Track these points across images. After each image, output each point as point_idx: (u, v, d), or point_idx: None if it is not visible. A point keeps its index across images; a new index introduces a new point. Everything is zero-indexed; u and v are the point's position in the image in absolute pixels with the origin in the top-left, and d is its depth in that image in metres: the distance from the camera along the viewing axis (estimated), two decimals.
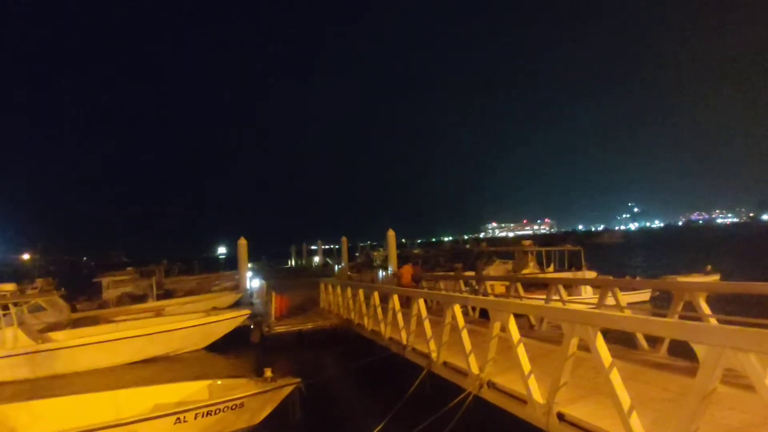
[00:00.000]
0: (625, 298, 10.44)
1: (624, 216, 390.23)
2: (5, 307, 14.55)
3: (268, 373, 8.59)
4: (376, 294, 12.75)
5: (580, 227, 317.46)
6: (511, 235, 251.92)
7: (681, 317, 7.77)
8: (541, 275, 21.56)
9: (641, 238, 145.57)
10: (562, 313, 6.16)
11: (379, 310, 12.26)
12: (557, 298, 11.51)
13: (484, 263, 24.61)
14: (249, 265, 29.89)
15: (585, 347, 5.07)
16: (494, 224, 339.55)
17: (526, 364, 5.97)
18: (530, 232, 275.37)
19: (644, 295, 19.21)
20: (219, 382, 9.28)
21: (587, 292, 17.59)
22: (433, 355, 8.62)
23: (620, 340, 8.37)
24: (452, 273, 20.67)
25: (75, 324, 17.44)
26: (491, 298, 13.16)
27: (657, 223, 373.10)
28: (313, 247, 54.18)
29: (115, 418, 7.27)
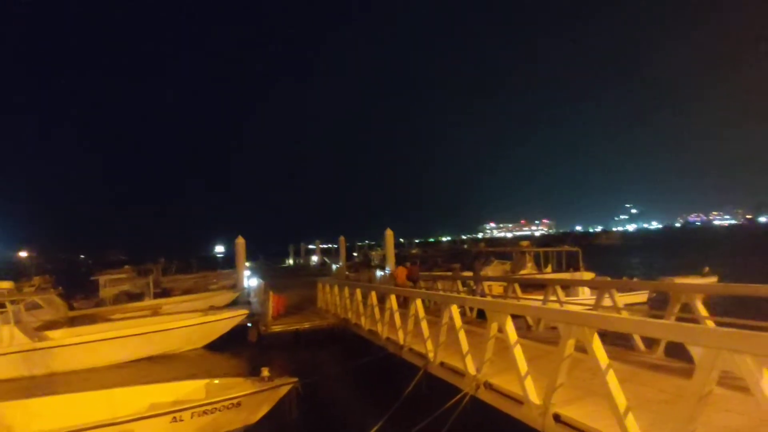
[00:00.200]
0: (623, 299, 10.48)
1: (622, 217, 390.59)
2: (2, 305, 14.51)
3: (265, 372, 8.58)
4: (373, 294, 12.75)
5: (578, 228, 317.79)
6: (509, 235, 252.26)
7: (678, 319, 7.79)
8: (539, 276, 21.57)
9: (639, 240, 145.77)
10: (559, 315, 6.17)
11: (376, 309, 12.26)
12: (555, 299, 11.53)
13: (482, 263, 24.60)
14: (247, 264, 29.86)
15: (582, 348, 5.08)
16: (492, 224, 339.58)
17: (522, 365, 5.98)
18: (528, 233, 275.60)
19: (641, 297, 19.23)
20: (216, 381, 9.26)
21: (585, 293, 17.62)
22: (430, 355, 8.63)
23: (617, 342, 8.39)
24: (450, 273, 20.67)
25: (72, 322, 17.38)
26: (488, 299, 13.18)
27: (655, 225, 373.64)
28: (311, 247, 54.21)
29: (112, 417, 7.25)
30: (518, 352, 6.06)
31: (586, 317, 5.33)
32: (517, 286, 13.50)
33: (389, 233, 26.83)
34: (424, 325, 9.13)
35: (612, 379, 4.64)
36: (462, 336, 7.50)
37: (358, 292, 14.21)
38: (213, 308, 19.53)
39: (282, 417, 8.47)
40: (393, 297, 11.03)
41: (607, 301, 9.79)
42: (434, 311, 10.71)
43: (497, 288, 17.65)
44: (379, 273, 26.37)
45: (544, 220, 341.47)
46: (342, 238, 38.53)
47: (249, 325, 17.76)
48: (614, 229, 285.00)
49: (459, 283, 16.80)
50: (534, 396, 5.75)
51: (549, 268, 24.51)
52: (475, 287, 16.01)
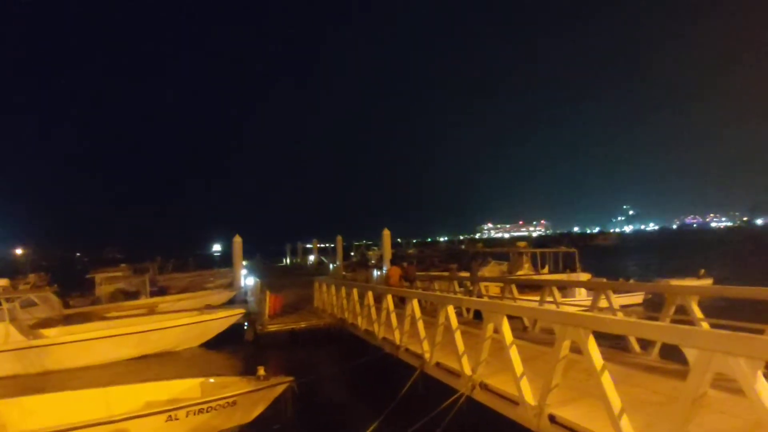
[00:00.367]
0: (619, 300, 10.50)
1: (619, 218, 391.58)
2: None
3: (261, 371, 8.58)
4: (370, 294, 12.75)
5: (576, 229, 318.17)
6: (506, 236, 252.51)
7: (673, 320, 7.81)
8: (536, 277, 21.59)
9: (636, 241, 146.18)
10: (555, 316, 6.18)
11: (372, 309, 12.26)
12: (551, 299, 11.56)
13: (479, 264, 24.63)
14: (244, 263, 29.82)
15: (577, 349, 5.09)
16: (490, 225, 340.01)
17: (518, 366, 5.98)
18: (526, 234, 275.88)
19: (637, 298, 19.29)
20: (211, 380, 9.25)
21: (581, 294, 17.66)
22: (426, 355, 8.63)
23: (612, 343, 8.41)
24: (447, 273, 20.69)
25: (67, 320, 17.33)
26: (485, 299, 13.21)
27: (652, 226, 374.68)
28: (308, 246, 54.08)
29: (107, 415, 7.24)
30: (514, 353, 6.07)
31: (581, 318, 5.34)
32: (513, 287, 13.52)
33: (386, 233, 26.81)
34: (420, 325, 9.14)
35: (607, 381, 4.65)
36: (458, 336, 7.51)
37: (355, 291, 14.21)
38: (209, 307, 19.52)
39: (278, 416, 8.47)
40: (389, 297, 11.03)
41: (603, 303, 9.81)
42: (431, 312, 10.71)
43: (494, 288, 17.68)
44: (376, 273, 26.37)
45: (542, 221, 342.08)
46: (339, 238, 38.52)
47: (245, 324, 17.75)
48: (611, 230, 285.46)
49: (456, 283, 16.81)
50: (529, 397, 5.76)
51: (546, 269, 24.55)
52: (471, 288, 16.01)
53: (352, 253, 49.17)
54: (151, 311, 19.36)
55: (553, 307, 10.90)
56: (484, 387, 6.79)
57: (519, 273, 23.56)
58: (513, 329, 6.47)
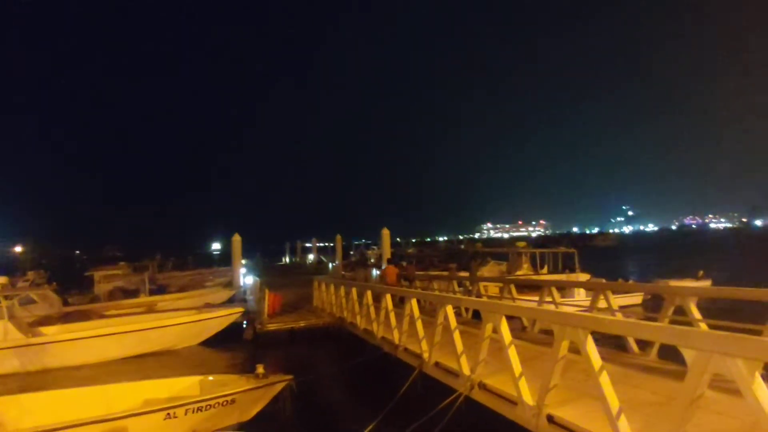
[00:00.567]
0: (618, 300, 10.51)
1: (618, 219, 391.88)
2: None
3: (260, 369, 8.58)
4: (368, 293, 12.76)
5: (575, 229, 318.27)
6: (506, 236, 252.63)
7: (671, 321, 7.82)
8: (535, 277, 21.63)
9: (635, 242, 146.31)
10: (553, 316, 6.19)
11: (371, 309, 12.27)
12: (550, 300, 11.57)
13: (479, 264, 24.68)
14: (243, 262, 29.82)
15: (576, 350, 5.10)
16: (489, 225, 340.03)
17: (517, 366, 5.99)
18: (525, 234, 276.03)
19: (636, 298, 19.34)
20: (210, 378, 9.25)
21: (580, 295, 17.69)
22: (425, 355, 8.64)
23: (611, 343, 8.42)
24: (446, 273, 20.71)
25: (66, 318, 17.33)
26: (484, 299, 13.21)
27: (651, 227, 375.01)
28: (307, 245, 54.07)
29: (105, 413, 7.23)
30: (513, 353, 6.08)
31: (580, 319, 5.35)
32: (512, 287, 13.53)
33: (385, 232, 26.80)
34: (419, 324, 9.15)
35: (605, 381, 4.66)
36: (457, 336, 7.52)
37: (354, 291, 14.22)
38: (208, 306, 19.53)
39: (276, 414, 8.48)
40: (388, 296, 11.04)
41: (602, 303, 9.82)
42: (430, 311, 10.72)
43: (493, 288, 17.70)
44: (375, 272, 26.40)
45: (541, 221, 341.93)
46: (338, 237, 38.47)
47: (244, 323, 17.76)
48: (611, 230, 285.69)
49: (455, 283, 16.83)
50: (528, 397, 5.77)
51: (545, 269, 24.59)
52: (471, 287, 16.03)
53: (352, 253, 49.18)
54: (150, 310, 19.39)
55: (552, 307, 10.91)
56: (483, 387, 6.80)
57: (518, 273, 23.60)
58: (512, 329, 6.47)
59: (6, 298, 14.82)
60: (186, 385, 9.02)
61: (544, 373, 5.50)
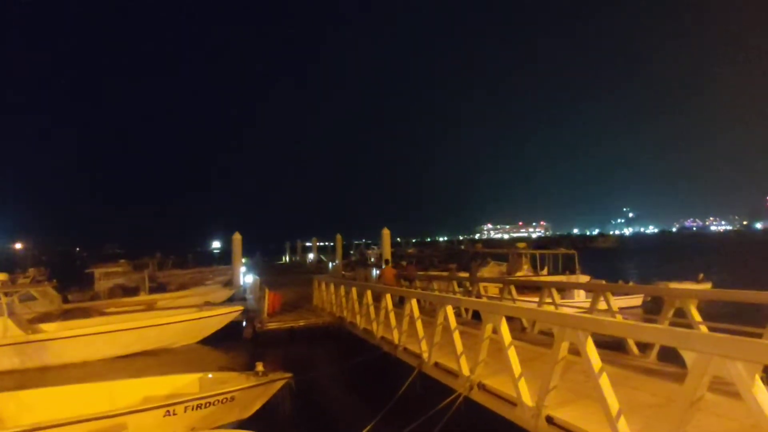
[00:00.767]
0: (618, 302, 10.52)
1: (619, 221, 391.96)
2: None
3: (260, 367, 8.58)
4: (368, 292, 12.76)
5: (575, 231, 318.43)
6: (506, 236, 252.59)
7: (671, 323, 7.82)
8: (535, 278, 21.64)
9: (635, 243, 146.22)
10: (553, 317, 6.19)
11: (371, 308, 12.27)
12: (550, 301, 11.57)
13: (479, 264, 24.67)
14: (243, 261, 29.81)
15: (576, 351, 5.10)
16: (490, 225, 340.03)
17: (516, 367, 5.99)
18: (525, 235, 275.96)
19: (636, 300, 19.34)
20: (210, 376, 9.26)
21: (580, 296, 17.69)
22: (425, 355, 8.64)
23: (611, 345, 8.41)
24: (446, 273, 20.71)
25: (66, 315, 17.36)
26: (484, 300, 13.22)
27: (651, 229, 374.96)
28: (307, 244, 54.07)
29: (105, 410, 7.23)
30: (512, 354, 6.08)
31: (580, 320, 5.35)
32: (512, 288, 13.53)
33: (386, 232, 26.80)
34: (419, 325, 9.15)
35: (605, 383, 4.66)
36: (457, 337, 7.52)
37: (354, 290, 14.22)
38: (208, 304, 19.53)
39: (276, 412, 8.48)
40: (388, 296, 11.04)
41: (602, 305, 9.82)
42: (429, 311, 10.73)
43: (493, 289, 17.70)
44: (375, 272, 26.39)
45: (542, 222, 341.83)
46: (338, 236, 38.46)
47: (244, 322, 17.76)
48: (611, 232, 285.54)
49: (455, 283, 16.83)
50: (527, 398, 5.77)
51: (545, 271, 24.60)
52: (470, 288, 16.03)
53: (352, 252, 49.19)
54: (150, 308, 19.40)
55: (552, 308, 10.91)
56: (482, 387, 6.80)
57: (518, 274, 23.60)
58: (512, 330, 6.48)
59: (6, 294, 14.83)
60: (185, 383, 9.02)
61: (543, 374, 5.50)
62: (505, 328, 6.36)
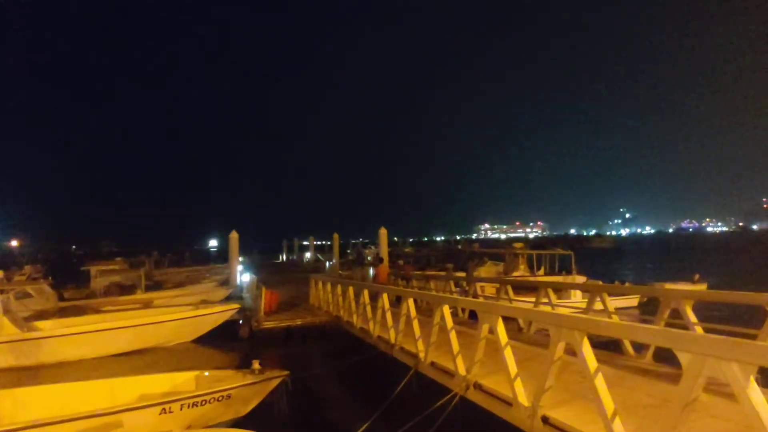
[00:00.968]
0: (614, 302, 10.53)
1: (616, 221, 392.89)
2: None
3: (256, 365, 8.59)
4: (365, 292, 12.76)
5: (572, 231, 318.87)
6: (503, 236, 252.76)
7: (667, 324, 7.84)
8: (532, 278, 21.67)
9: (631, 244, 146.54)
10: (550, 317, 6.20)
11: (368, 308, 12.27)
12: (546, 301, 11.59)
13: (475, 264, 24.68)
14: (240, 259, 29.75)
15: (572, 351, 5.11)
16: (487, 225, 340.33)
17: (512, 367, 6.00)
18: (522, 235, 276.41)
19: (633, 301, 19.40)
20: (206, 374, 9.25)
21: (577, 297, 17.72)
22: (421, 355, 8.65)
23: (607, 345, 8.43)
24: (443, 273, 20.71)
25: (62, 313, 17.31)
26: (480, 300, 13.23)
27: (648, 230, 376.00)
28: (304, 243, 54.00)
29: (100, 407, 7.22)
30: (508, 354, 6.09)
31: (576, 321, 5.36)
32: (509, 288, 13.54)
33: (383, 231, 26.79)
34: (415, 324, 9.15)
35: (600, 383, 4.67)
36: (453, 336, 7.53)
37: (351, 289, 14.22)
38: (205, 302, 19.50)
39: (272, 410, 8.48)
40: (385, 296, 11.05)
41: (598, 305, 9.84)
42: (426, 311, 10.73)
43: (490, 289, 17.72)
44: (372, 271, 26.40)
45: (539, 222, 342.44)
46: (335, 235, 38.41)
47: (241, 320, 17.74)
48: (608, 233, 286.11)
49: (452, 283, 16.84)
50: (523, 398, 5.78)
51: (542, 271, 24.63)
52: (467, 288, 16.04)
53: (349, 251, 49.14)
54: (147, 306, 19.35)
55: (548, 308, 10.93)
56: (478, 387, 6.81)
57: (515, 274, 23.62)
58: (508, 330, 6.49)
59: (2, 292, 14.79)
60: (182, 381, 9.01)
61: (539, 374, 5.51)
62: (501, 328, 6.37)
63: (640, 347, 8.20)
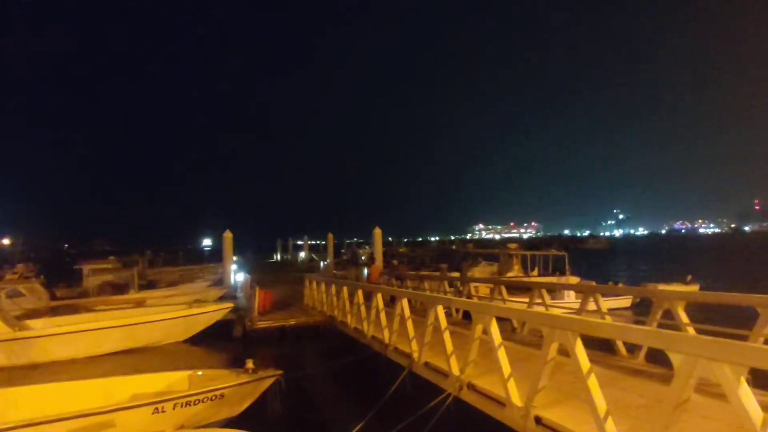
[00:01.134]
0: (607, 303, 10.59)
1: (609, 222, 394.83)
2: None
3: (250, 364, 8.55)
4: (359, 292, 12.75)
5: (566, 232, 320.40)
6: (497, 237, 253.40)
7: (659, 325, 7.89)
8: (525, 279, 21.75)
9: (625, 245, 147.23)
10: (543, 318, 6.23)
11: (362, 308, 12.26)
12: (540, 301, 11.62)
13: (470, 264, 24.73)
14: (234, 259, 29.64)
15: (565, 352, 5.13)
16: (481, 226, 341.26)
17: (506, 367, 6.02)
18: (516, 235, 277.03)
19: (626, 302, 19.49)
20: (199, 373, 9.20)
21: (570, 297, 17.78)
22: (415, 355, 8.65)
23: (600, 345, 8.47)
24: (437, 273, 20.74)
25: (54, 312, 17.19)
26: (474, 300, 13.25)
27: (641, 231, 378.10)
28: (299, 242, 53.99)
29: (92, 407, 7.18)
30: (502, 355, 6.10)
31: (569, 321, 5.38)
32: (503, 288, 13.57)
33: (377, 232, 26.80)
34: (409, 324, 9.15)
35: (593, 383, 4.70)
36: (447, 337, 7.54)
37: (345, 289, 14.20)
38: (198, 302, 19.43)
39: (265, 410, 8.46)
40: (379, 296, 11.05)
41: (591, 306, 9.89)
42: (420, 311, 10.74)
43: (484, 289, 17.76)
44: (366, 271, 26.39)
45: (533, 223, 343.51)
46: (330, 235, 38.40)
47: (234, 320, 17.69)
48: (601, 233, 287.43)
49: (446, 283, 16.86)
50: (516, 398, 5.80)
51: (536, 271, 24.73)
52: (461, 288, 16.07)
53: (343, 251, 49.13)
54: (139, 305, 19.25)
55: (542, 309, 10.96)
56: (472, 387, 6.82)
57: (509, 274, 23.70)
58: (502, 330, 6.50)
59: None
60: (175, 380, 8.96)
61: (532, 374, 5.53)
62: (495, 329, 6.38)
63: (632, 348, 8.25)
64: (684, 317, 7.74)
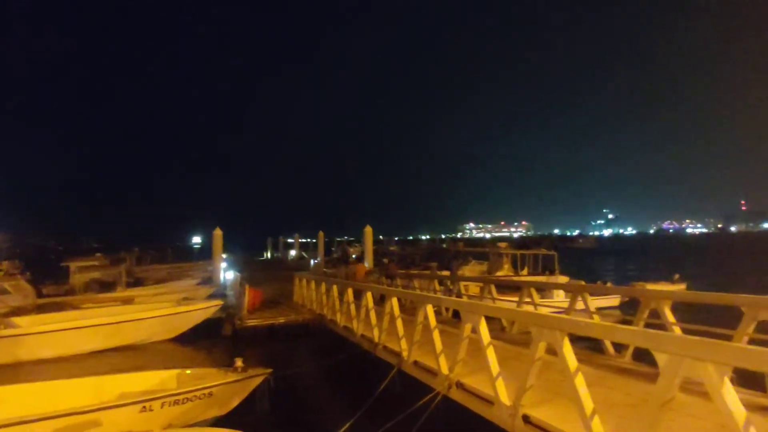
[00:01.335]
0: (595, 302, 10.67)
1: (598, 222, 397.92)
2: None
3: (239, 363, 8.54)
4: (349, 290, 12.74)
5: (556, 231, 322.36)
6: (488, 236, 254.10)
7: (647, 324, 7.97)
8: (515, 278, 21.84)
9: (614, 244, 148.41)
10: (531, 317, 6.26)
11: (352, 306, 12.26)
12: (529, 300, 11.68)
13: (460, 263, 24.80)
14: (224, 256, 29.49)
15: (553, 351, 5.16)
16: (472, 224, 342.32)
17: (494, 366, 6.05)
18: (507, 234, 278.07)
19: (614, 301, 19.67)
20: (188, 372, 9.16)
21: (559, 296, 17.90)
22: (404, 353, 8.67)
23: (588, 344, 8.54)
24: (427, 272, 20.79)
25: (40, 309, 17.00)
26: (464, 299, 13.30)
27: (630, 230, 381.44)
28: (290, 240, 53.83)
29: (79, 406, 7.12)
30: (491, 353, 6.13)
31: (557, 321, 5.41)
32: (493, 287, 13.63)
33: (368, 230, 26.83)
34: (399, 323, 9.17)
35: (580, 382, 4.73)
36: (436, 335, 7.56)
37: (335, 288, 14.19)
38: (187, 300, 19.31)
39: (254, 408, 8.44)
40: (369, 294, 11.05)
41: (580, 305, 9.96)
42: (410, 310, 10.76)
43: (474, 288, 17.82)
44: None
45: (523, 222, 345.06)
46: (321, 233, 38.34)
47: (223, 318, 17.61)
48: (591, 233, 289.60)
49: (436, 282, 16.90)
50: (504, 397, 5.83)
51: (525, 271, 24.83)
52: (451, 287, 16.11)
53: (334, 249, 49.09)
54: (127, 303, 19.09)
55: (531, 308, 11.03)
56: (461, 386, 6.85)
57: (499, 273, 23.79)
58: (491, 329, 6.53)
59: None
60: (163, 379, 8.92)
61: (521, 373, 5.56)
62: (484, 328, 6.41)
63: (620, 347, 8.32)
64: (670, 316, 7.83)
